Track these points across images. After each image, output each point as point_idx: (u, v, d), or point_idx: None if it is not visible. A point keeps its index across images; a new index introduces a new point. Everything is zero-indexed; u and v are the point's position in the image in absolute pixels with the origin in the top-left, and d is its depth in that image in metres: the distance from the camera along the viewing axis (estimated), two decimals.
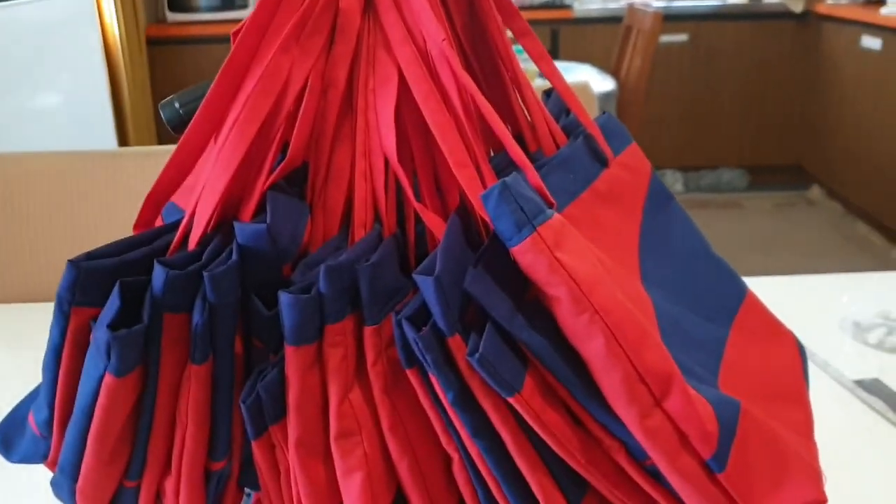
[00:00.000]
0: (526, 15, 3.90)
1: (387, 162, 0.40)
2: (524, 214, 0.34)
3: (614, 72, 3.06)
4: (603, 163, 0.48)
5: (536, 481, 0.37)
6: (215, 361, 0.37)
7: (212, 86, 0.39)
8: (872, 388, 0.81)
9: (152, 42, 3.77)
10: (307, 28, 0.39)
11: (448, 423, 0.37)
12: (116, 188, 1.13)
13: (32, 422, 0.43)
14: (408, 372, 0.37)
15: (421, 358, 0.35)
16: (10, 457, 0.44)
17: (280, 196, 0.39)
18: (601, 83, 2.59)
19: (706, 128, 4.00)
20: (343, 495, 0.38)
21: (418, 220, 0.41)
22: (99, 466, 0.38)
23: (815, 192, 3.92)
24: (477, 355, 0.34)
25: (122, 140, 3.06)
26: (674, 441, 0.35)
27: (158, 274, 0.36)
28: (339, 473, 0.38)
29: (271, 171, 0.39)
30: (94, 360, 0.36)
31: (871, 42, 3.39)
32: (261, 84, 0.38)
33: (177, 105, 0.45)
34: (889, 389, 0.81)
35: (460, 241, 0.37)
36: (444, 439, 0.38)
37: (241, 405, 0.37)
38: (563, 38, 3.94)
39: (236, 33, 0.45)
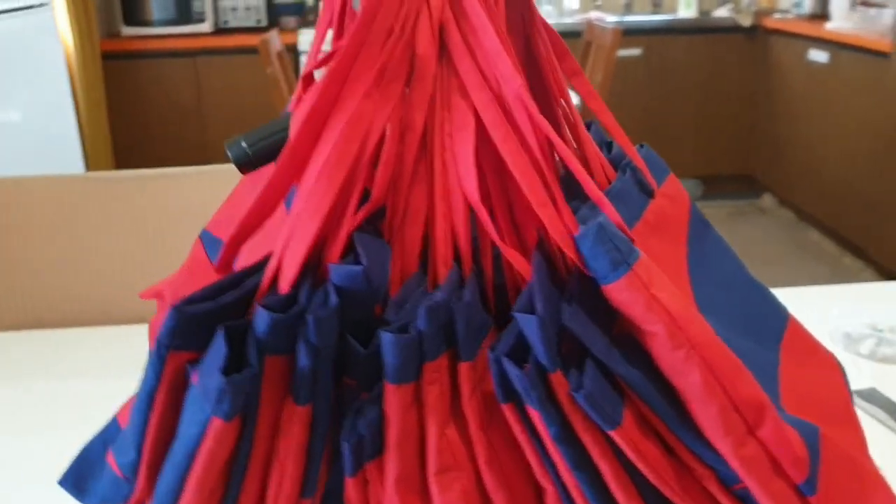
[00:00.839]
0: None
1: (465, 202, 0.41)
2: (619, 254, 0.35)
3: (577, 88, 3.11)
4: (649, 194, 0.49)
5: (628, 499, 0.38)
6: (315, 402, 0.38)
7: (295, 131, 0.40)
8: (871, 397, 0.84)
9: (107, 56, 3.72)
10: (386, 75, 0.40)
11: (544, 457, 0.39)
12: (88, 214, 1.12)
13: (113, 464, 0.43)
14: (504, 407, 0.38)
15: (524, 394, 0.36)
16: (86, 499, 0.44)
17: (367, 237, 0.40)
18: None
19: (660, 139, 4.08)
20: None
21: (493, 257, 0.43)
22: None
23: (767, 200, 4.02)
24: (583, 391, 0.35)
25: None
26: (768, 468, 0.36)
27: (262, 317, 0.36)
28: None
29: (354, 214, 0.40)
30: (198, 404, 0.36)
31: (818, 55, 3.50)
32: (347, 130, 0.39)
33: (244, 145, 0.45)
34: (887, 398, 0.84)
35: (547, 278, 0.38)
36: (538, 472, 0.39)
37: (344, 444, 0.38)
38: None
39: (307, 77, 0.46)
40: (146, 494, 0.40)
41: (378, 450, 0.39)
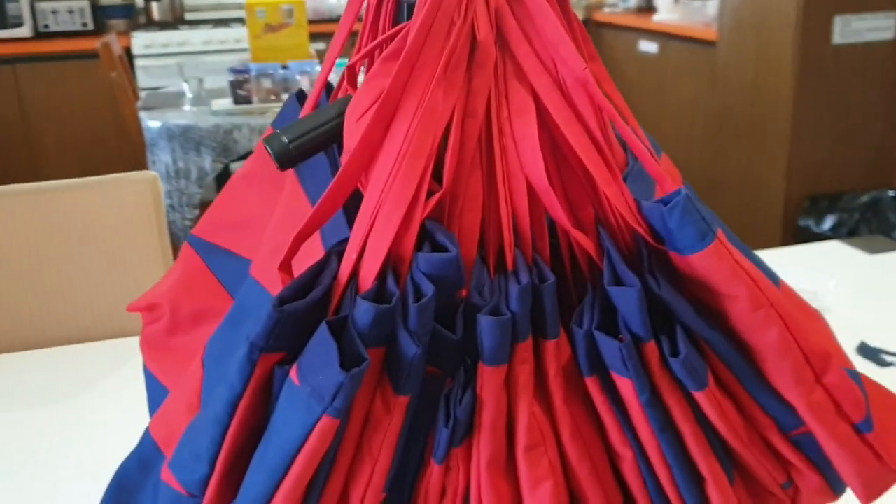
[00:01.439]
0: (328, 27, 3.91)
1: (527, 186, 0.42)
2: (705, 223, 0.37)
3: None
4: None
5: (708, 465, 0.40)
6: (412, 391, 0.38)
7: (368, 122, 0.39)
8: None
9: None
10: (451, 62, 0.40)
11: (625, 424, 0.40)
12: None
13: (174, 482, 0.41)
14: (588, 380, 0.40)
15: (619, 364, 0.38)
16: None
17: (439, 225, 0.40)
18: None
19: None
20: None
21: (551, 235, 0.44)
22: None
23: None
24: (681, 357, 0.37)
25: None
26: (832, 412, 0.40)
27: (366, 310, 0.36)
28: (526, 485, 0.39)
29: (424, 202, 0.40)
30: (303, 405, 0.35)
31: (648, 46, 3.73)
32: (424, 118, 0.39)
33: (285, 140, 0.44)
34: None
35: (619, 254, 0.40)
36: (617, 440, 0.40)
37: (442, 430, 0.38)
38: None
39: (352, 67, 0.45)
40: None
41: (465, 434, 0.39)
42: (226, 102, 2.54)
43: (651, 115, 3.76)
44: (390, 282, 0.38)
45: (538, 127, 0.42)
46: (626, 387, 0.39)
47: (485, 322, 0.37)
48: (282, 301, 0.36)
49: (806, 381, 0.39)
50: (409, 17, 0.45)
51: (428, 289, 0.37)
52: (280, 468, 0.36)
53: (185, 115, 2.47)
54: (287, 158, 0.44)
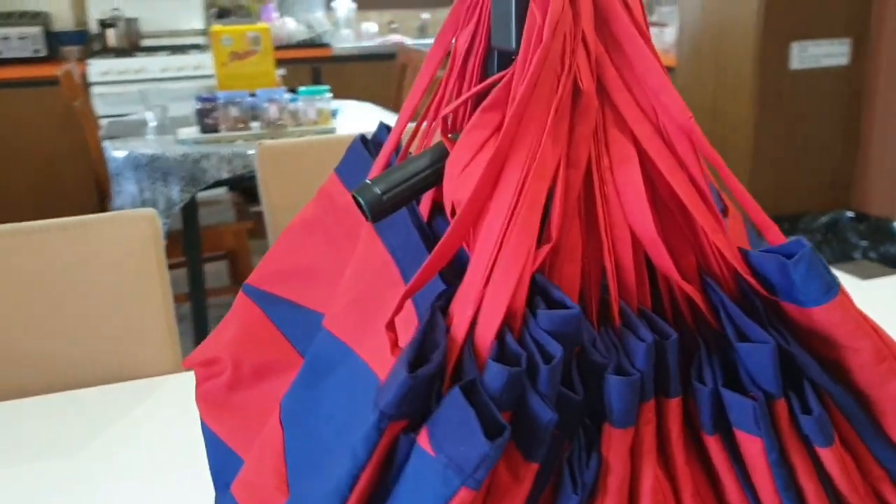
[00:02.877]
0: (287, 53, 3.89)
1: (631, 236, 0.41)
2: (830, 276, 0.37)
3: (396, 108, 3.14)
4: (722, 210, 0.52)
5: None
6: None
7: (481, 175, 0.38)
8: None
9: None
10: (558, 113, 0.39)
11: (744, 483, 0.39)
12: None
13: None
14: (710, 438, 0.39)
15: (749, 423, 0.37)
16: None
17: (546, 279, 0.39)
18: (393, 121, 2.65)
19: None
20: None
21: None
22: None
23: None
24: (815, 414, 0.36)
25: None
26: None
27: (497, 373, 0.34)
28: None
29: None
30: (440, 476, 0.33)
31: None
32: (536, 170, 0.38)
33: (378, 191, 0.42)
34: None
35: (738, 307, 0.39)
36: (737, 498, 0.39)
37: (572, 496, 0.36)
38: (325, 75, 3.97)
39: (446, 118, 0.44)
40: None
41: (587, 499, 0.38)
42: (192, 131, 2.50)
43: None
44: (510, 340, 0.37)
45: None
46: (753, 445, 0.38)
47: (615, 382, 0.36)
48: (411, 366, 0.35)
49: None
50: (501, 65, 0.44)
51: (555, 349, 0.36)
52: None
53: (149, 145, 2.42)
54: (380, 211, 0.42)
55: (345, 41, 4.15)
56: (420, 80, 0.46)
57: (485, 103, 0.41)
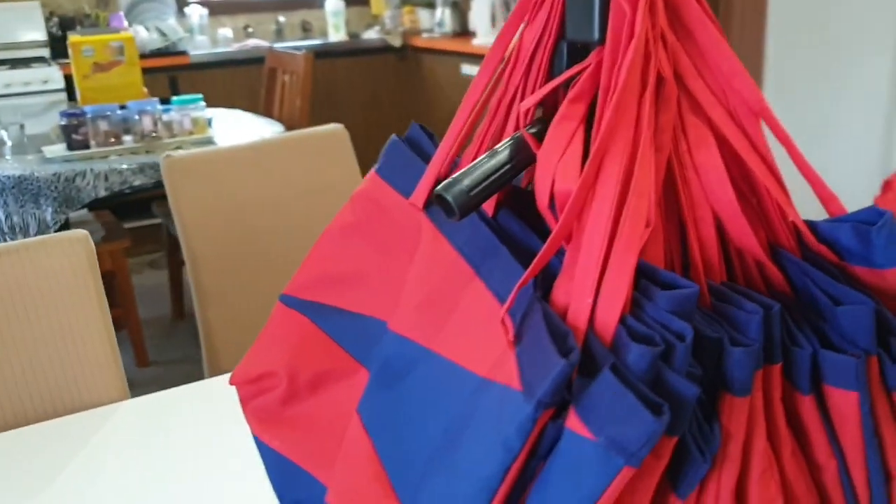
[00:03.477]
0: (142, 63, 3.71)
1: (712, 215, 0.43)
2: None
3: (267, 114, 3.08)
4: None
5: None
6: None
7: (588, 166, 0.39)
8: None
9: None
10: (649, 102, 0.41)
11: (831, 437, 0.42)
12: None
13: None
14: (805, 398, 0.41)
15: (852, 379, 0.40)
16: None
17: (646, 262, 0.40)
18: (270, 127, 2.59)
19: None
20: None
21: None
22: None
23: None
24: None
25: None
26: None
27: (642, 354, 0.35)
28: (761, 500, 0.40)
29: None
30: (601, 458, 0.34)
31: (471, 69, 3.85)
32: (641, 159, 0.39)
33: (465, 187, 0.42)
34: None
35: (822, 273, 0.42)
36: (824, 453, 0.42)
37: (702, 465, 0.38)
38: (182, 83, 3.84)
39: (527, 112, 0.44)
40: None
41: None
42: (59, 149, 2.35)
43: None
44: (634, 324, 0.38)
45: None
46: (847, 400, 0.41)
47: (738, 354, 0.38)
48: (564, 354, 0.35)
49: None
50: (572, 58, 0.44)
51: (684, 327, 0.37)
52: None
53: (11, 165, 2.26)
54: (467, 206, 0.42)
55: (201, 48, 4.02)
56: (481, 78, 0.46)
57: (571, 95, 0.42)
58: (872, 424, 0.41)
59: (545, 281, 0.42)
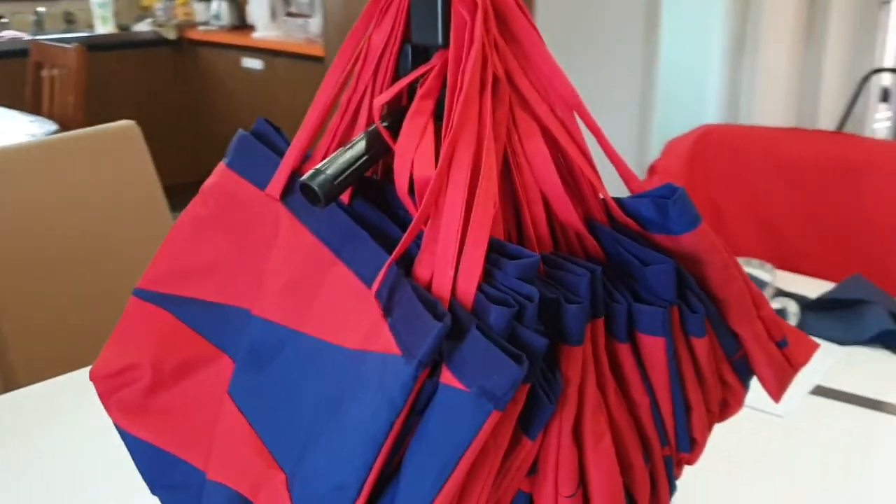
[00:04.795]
0: None
1: (541, 196, 0.50)
2: (696, 210, 0.49)
3: (34, 111, 2.88)
4: None
5: (696, 397, 0.52)
6: None
7: (443, 155, 0.44)
8: None
9: None
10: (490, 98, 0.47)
11: (644, 378, 0.50)
12: None
13: None
14: (622, 346, 0.49)
15: (659, 327, 0.48)
16: None
17: (494, 238, 0.46)
18: (41, 126, 2.43)
19: None
20: (593, 460, 0.48)
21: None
22: None
23: None
24: (700, 313, 0.48)
25: None
26: (765, 336, 0.54)
27: (500, 313, 0.41)
28: (591, 442, 0.48)
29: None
30: (473, 406, 0.39)
31: (252, 63, 3.80)
32: (487, 148, 0.45)
33: (329, 176, 0.45)
34: None
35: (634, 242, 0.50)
36: (639, 391, 0.51)
37: (549, 407, 0.44)
38: None
39: (381, 108, 0.49)
40: None
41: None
42: None
43: None
44: (489, 290, 0.44)
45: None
46: (657, 345, 0.49)
47: (572, 310, 0.45)
48: (438, 319, 0.40)
49: (753, 317, 0.53)
50: (416, 59, 0.49)
51: (531, 291, 0.43)
52: (448, 469, 0.40)
53: None
54: (332, 195, 0.46)
55: None
56: (331, 77, 0.50)
57: (421, 92, 0.47)
58: (676, 366, 0.50)
59: (403, 261, 0.47)
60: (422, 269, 0.45)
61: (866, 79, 2.28)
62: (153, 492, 0.51)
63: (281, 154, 0.53)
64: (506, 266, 0.44)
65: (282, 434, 0.46)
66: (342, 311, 0.48)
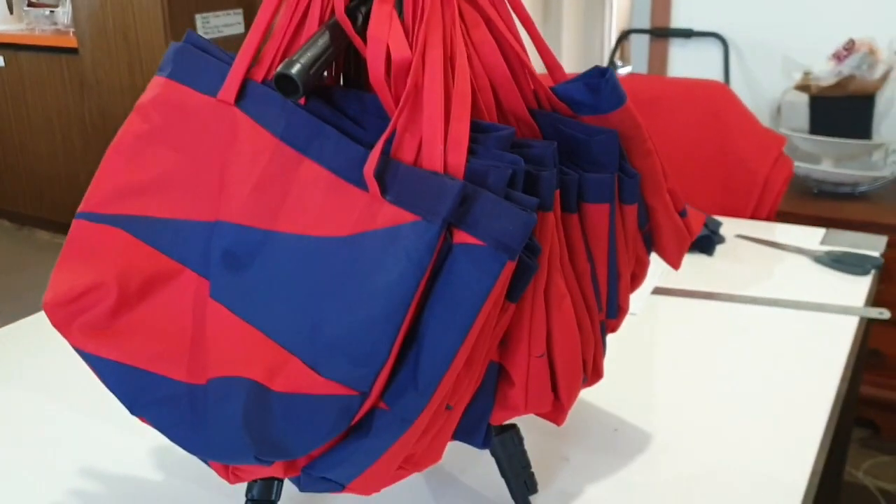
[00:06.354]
0: None
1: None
2: (623, 91, 0.55)
3: None
4: None
5: (625, 261, 0.59)
6: None
7: (419, 40, 0.46)
8: None
9: None
10: None
11: (587, 247, 0.56)
12: None
13: (336, 389, 0.43)
14: (573, 216, 0.54)
15: (606, 193, 0.53)
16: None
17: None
18: None
19: None
20: (557, 319, 0.53)
21: None
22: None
23: None
24: (635, 179, 0.55)
25: None
26: (671, 206, 0.62)
27: (501, 174, 0.45)
28: (556, 302, 0.53)
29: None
30: (490, 259, 0.43)
31: None
32: (457, 33, 0.48)
33: (304, 66, 0.44)
34: None
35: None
36: (583, 260, 0.56)
37: (533, 268, 0.48)
38: None
39: (342, 9, 0.50)
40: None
41: None
42: None
43: (15, 130, 3.52)
44: (478, 159, 0.47)
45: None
46: (602, 212, 0.54)
47: (547, 176, 0.49)
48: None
49: (663, 189, 0.60)
50: None
51: (515, 158, 0.47)
52: (469, 319, 0.43)
53: None
54: (309, 85, 0.47)
55: None
56: None
57: None
58: (614, 230, 0.56)
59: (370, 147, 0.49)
60: (405, 151, 0.47)
61: (620, 39, 2.53)
62: (133, 412, 0.49)
63: (222, 62, 0.53)
64: (485, 139, 0.48)
65: (284, 323, 0.47)
66: (319, 205, 0.49)
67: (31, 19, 3.32)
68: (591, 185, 0.54)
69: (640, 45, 2.50)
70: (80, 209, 0.51)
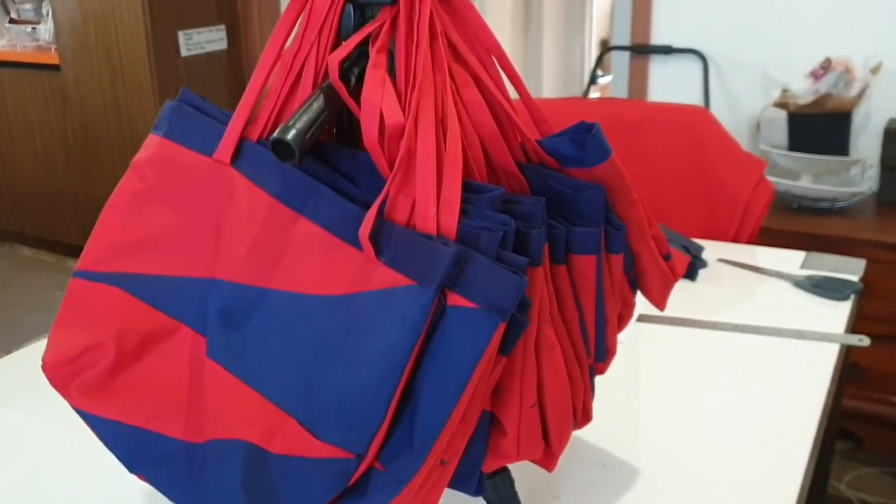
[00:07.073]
0: None
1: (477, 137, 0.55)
2: (608, 144, 0.57)
3: None
4: None
5: (612, 308, 0.60)
6: None
7: (412, 106, 0.48)
8: None
9: None
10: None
11: (575, 296, 0.57)
12: None
13: (334, 453, 0.44)
14: (560, 267, 0.56)
15: (590, 248, 0.55)
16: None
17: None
18: None
19: None
20: (547, 370, 0.54)
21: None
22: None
23: None
24: (621, 231, 0.56)
25: None
26: (655, 251, 0.63)
27: (491, 238, 0.46)
28: (546, 353, 0.54)
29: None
30: (483, 321, 0.44)
31: None
32: (450, 96, 0.49)
33: (300, 130, 0.46)
34: None
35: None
36: (570, 306, 0.57)
37: (524, 324, 0.50)
38: None
39: (339, 63, 0.51)
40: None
41: None
42: None
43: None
44: (470, 221, 0.48)
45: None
46: (589, 263, 0.56)
47: (536, 233, 0.50)
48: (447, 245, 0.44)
49: (648, 236, 0.62)
50: (359, 18, 0.52)
51: (506, 219, 0.48)
52: (463, 379, 0.44)
53: None
54: (305, 149, 0.48)
55: None
56: (276, 38, 0.51)
57: (376, 46, 0.50)
58: (601, 280, 0.57)
59: (365, 208, 0.50)
60: (398, 213, 0.49)
61: (602, 54, 2.56)
62: (132, 471, 0.49)
63: (216, 121, 0.54)
64: (477, 200, 0.49)
65: (280, 384, 0.48)
66: (314, 263, 0.50)
67: (13, 36, 3.31)
68: (579, 238, 0.55)
69: (620, 62, 2.52)
70: (77, 268, 0.52)
